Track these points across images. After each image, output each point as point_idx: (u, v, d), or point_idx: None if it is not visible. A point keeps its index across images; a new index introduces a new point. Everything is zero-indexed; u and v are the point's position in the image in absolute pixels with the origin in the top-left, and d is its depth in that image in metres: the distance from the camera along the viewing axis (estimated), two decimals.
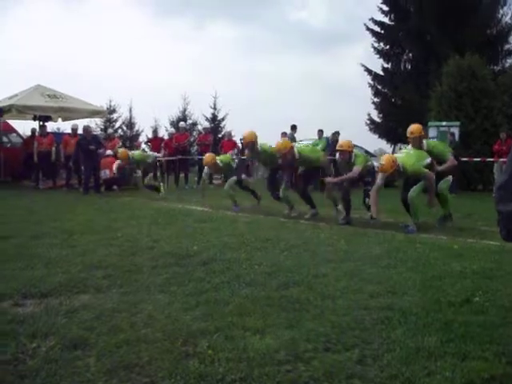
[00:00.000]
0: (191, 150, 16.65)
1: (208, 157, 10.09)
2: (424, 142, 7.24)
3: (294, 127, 15.26)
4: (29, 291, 3.35)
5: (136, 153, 12.40)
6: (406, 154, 6.96)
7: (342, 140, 7.52)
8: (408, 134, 7.22)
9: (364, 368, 2.26)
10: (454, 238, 5.63)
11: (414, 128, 7.21)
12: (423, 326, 2.76)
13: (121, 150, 12.50)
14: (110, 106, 30.12)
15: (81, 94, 37.07)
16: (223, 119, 27.74)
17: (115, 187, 12.93)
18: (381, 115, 22.98)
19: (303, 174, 8.14)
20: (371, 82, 23.78)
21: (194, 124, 27.33)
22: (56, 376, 2.16)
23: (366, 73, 23.86)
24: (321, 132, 14.94)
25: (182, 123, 19.24)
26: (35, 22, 58.58)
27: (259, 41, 59.83)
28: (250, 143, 8.53)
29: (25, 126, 18.18)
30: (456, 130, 14.37)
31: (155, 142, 16.80)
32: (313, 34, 57.29)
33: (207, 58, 56.12)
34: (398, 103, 22.70)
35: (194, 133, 17.11)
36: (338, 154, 7.46)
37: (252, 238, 5.53)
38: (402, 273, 3.98)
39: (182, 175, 15.48)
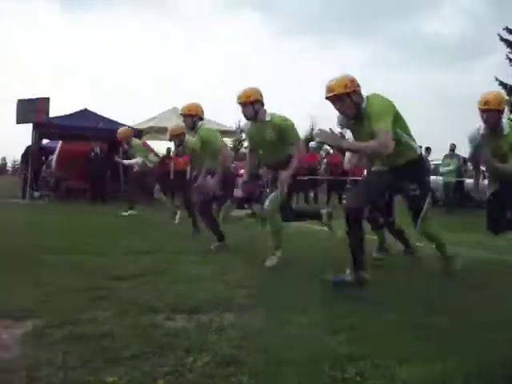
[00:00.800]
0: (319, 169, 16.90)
1: (175, 128, 8.89)
2: (504, 121, 5.07)
3: (428, 149, 15.02)
4: (178, 306, 3.56)
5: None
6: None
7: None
8: (480, 105, 5.00)
9: None
10: None
11: (490, 96, 4.98)
12: None
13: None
14: (239, 125, 31.15)
15: (211, 114, 38.85)
16: None
17: (246, 206, 13.20)
18: None
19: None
20: (507, 98, 22.52)
21: (322, 143, 27.42)
22: None
23: (500, 87, 22.67)
24: (453, 147, 14.46)
25: (312, 143, 19.22)
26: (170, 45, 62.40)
27: (385, 56, 59.13)
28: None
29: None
30: None
31: None
32: (440, 48, 55.67)
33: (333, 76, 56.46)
34: None
35: (322, 152, 17.20)
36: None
37: (386, 261, 5.47)
38: None
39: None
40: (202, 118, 6.83)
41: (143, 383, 2.34)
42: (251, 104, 5.57)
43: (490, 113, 4.95)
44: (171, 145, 16.87)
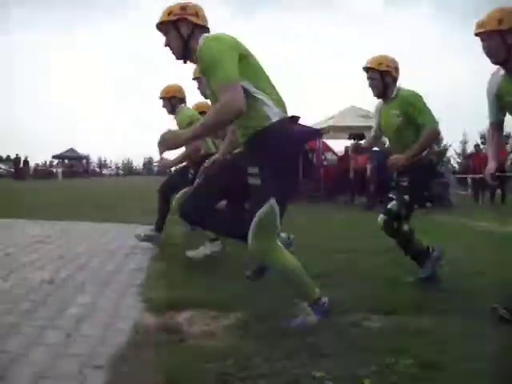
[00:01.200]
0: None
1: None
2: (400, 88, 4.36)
3: None
4: (374, 307, 3.60)
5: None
6: None
7: None
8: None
9: None
10: None
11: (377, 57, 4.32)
12: None
13: None
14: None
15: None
16: None
17: (429, 204, 12.54)
18: None
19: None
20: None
21: (508, 136, 25.71)
22: None
23: None
24: None
25: None
26: None
27: None
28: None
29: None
30: None
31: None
32: None
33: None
34: None
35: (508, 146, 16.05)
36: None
37: None
38: None
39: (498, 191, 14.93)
40: (183, 101, 6.25)
41: (349, 381, 2.43)
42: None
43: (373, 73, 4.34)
44: (349, 143, 16.96)
